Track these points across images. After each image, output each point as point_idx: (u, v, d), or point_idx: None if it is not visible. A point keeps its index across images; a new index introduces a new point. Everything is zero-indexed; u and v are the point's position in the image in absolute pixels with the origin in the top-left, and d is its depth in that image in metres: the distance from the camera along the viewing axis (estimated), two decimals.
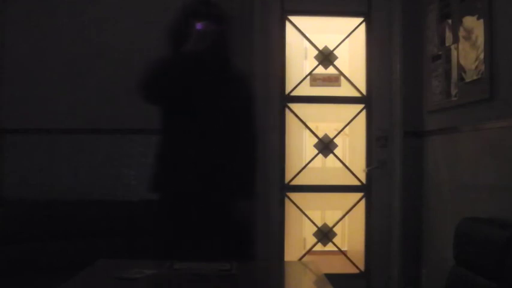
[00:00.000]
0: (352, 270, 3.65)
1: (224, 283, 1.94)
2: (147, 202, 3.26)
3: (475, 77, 2.73)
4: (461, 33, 2.89)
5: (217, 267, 2.05)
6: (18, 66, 3.45)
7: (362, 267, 3.64)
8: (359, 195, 3.65)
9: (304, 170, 3.63)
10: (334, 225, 3.66)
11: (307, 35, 3.64)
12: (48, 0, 3.48)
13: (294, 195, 3.63)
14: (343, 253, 3.70)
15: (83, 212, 3.22)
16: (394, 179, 3.55)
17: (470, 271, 2.30)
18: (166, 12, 3.49)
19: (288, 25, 3.64)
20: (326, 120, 3.76)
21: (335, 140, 3.65)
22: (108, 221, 3.20)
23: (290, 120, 3.63)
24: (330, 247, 3.68)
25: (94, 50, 3.45)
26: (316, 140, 3.65)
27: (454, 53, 2.99)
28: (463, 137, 2.92)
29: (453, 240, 2.47)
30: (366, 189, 3.64)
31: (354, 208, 3.66)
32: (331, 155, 3.66)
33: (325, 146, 3.64)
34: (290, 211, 3.63)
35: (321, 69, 3.65)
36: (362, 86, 3.64)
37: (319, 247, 3.68)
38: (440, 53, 3.18)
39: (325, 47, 3.64)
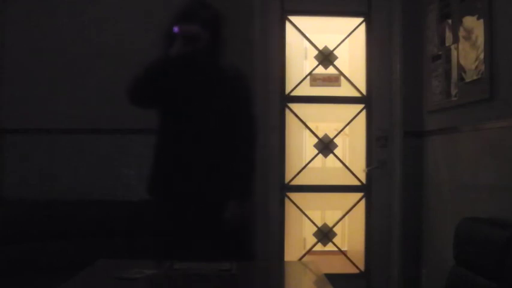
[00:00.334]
0: (352, 270, 3.65)
1: (224, 283, 1.94)
2: (147, 202, 3.28)
3: (475, 77, 2.73)
4: (461, 33, 2.89)
5: (217, 267, 2.05)
6: (18, 66, 3.45)
7: (362, 267, 3.64)
8: (359, 195, 3.65)
9: (304, 170, 3.63)
10: (334, 225, 3.66)
11: (307, 35, 3.64)
12: (48, 0, 3.48)
13: (294, 195, 3.63)
14: (343, 253, 3.70)
15: (83, 212, 3.22)
16: (394, 179, 3.55)
17: (470, 271, 2.30)
18: (166, 12, 3.51)
19: (288, 25, 3.64)
20: (326, 120, 3.76)
21: (335, 140, 3.66)
22: (108, 221, 3.19)
23: (290, 120, 3.63)
24: (330, 247, 3.68)
25: (94, 50, 3.45)
26: (316, 140, 3.65)
27: (454, 53, 2.99)
28: (463, 137, 2.92)
29: (453, 240, 2.47)
30: (366, 189, 3.64)
31: (354, 208, 3.66)
32: (331, 155, 3.66)
33: (325, 146, 3.64)
34: (290, 211, 3.63)
35: (321, 69, 3.65)
36: (362, 86, 3.64)
37: (319, 247, 3.68)
38: (440, 53, 3.18)
39: (325, 47, 3.64)
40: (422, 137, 3.48)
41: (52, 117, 3.44)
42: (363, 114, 3.65)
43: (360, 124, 3.65)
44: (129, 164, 3.45)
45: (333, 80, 3.67)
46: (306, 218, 3.65)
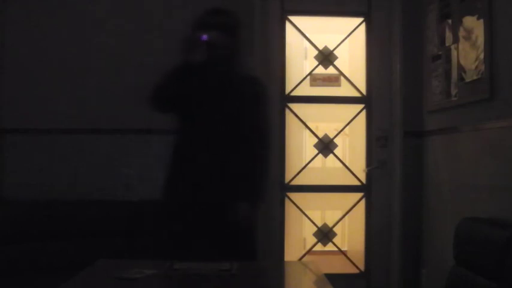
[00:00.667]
0: (352, 270, 3.65)
1: (224, 283, 1.94)
2: (147, 202, 3.29)
3: (475, 77, 2.73)
4: (461, 33, 2.89)
5: (217, 267, 2.05)
6: (18, 66, 3.45)
7: (362, 267, 3.64)
8: (359, 195, 3.65)
9: (304, 170, 3.63)
10: (334, 225, 3.66)
11: (307, 35, 3.64)
12: (48, 0, 3.48)
13: (294, 195, 3.63)
14: (343, 253, 3.70)
15: (83, 212, 3.22)
16: (394, 179, 3.55)
17: (470, 271, 2.30)
18: (166, 12, 3.52)
19: (288, 25, 3.64)
20: (326, 120, 3.76)
21: (335, 140, 3.66)
22: (108, 221, 3.19)
23: (290, 120, 3.63)
24: (330, 247, 3.68)
25: (94, 50, 3.45)
26: (316, 140, 3.65)
27: (454, 53, 2.99)
28: (463, 137, 2.92)
29: (453, 240, 2.47)
30: (366, 189, 3.64)
31: (354, 208, 3.66)
32: (331, 155, 3.66)
33: (325, 146, 3.64)
34: (290, 211, 3.63)
35: (321, 69, 3.65)
36: (362, 86, 3.64)
37: (319, 247, 3.68)
38: (440, 53, 3.18)
39: (325, 47, 3.64)
40: (422, 137, 3.48)
41: (52, 117, 3.44)
42: (363, 114, 3.65)
43: (360, 124, 3.65)
44: (129, 164, 3.45)
45: (333, 80, 3.67)
46: (306, 218, 3.65)
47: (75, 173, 3.43)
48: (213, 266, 2.06)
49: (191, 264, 2.10)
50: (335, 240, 3.67)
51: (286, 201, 3.61)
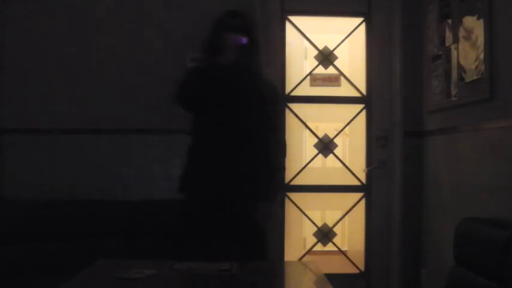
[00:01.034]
0: (352, 270, 3.65)
1: (224, 283, 1.94)
2: (147, 202, 3.29)
3: (475, 77, 2.73)
4: (461, 33, 2.89)
5: (217, 267, 2.05)
6: (18, 66, 3.45)
7: (362, 267, 3.64)
8: (359, 195, 3.65)
9: (304, 170, 3.63)
10: (334, 225, 3.66)
11: (307, 35, 3.64)
12: (48, 0, 3.48)
13: (294, 195, 3.63)
14: (343, 253, 3.70)
15: (83, 212, 3.22)
16: (394, 179, 3.55)
17: (470, 271, 2.30)
18: (166, 12, 3.52)
19: (288, 25, 3.64)
20: (326, 120, 3.76)
21: (335, 140, 3.66)
22: (108, 221, 3.19)
23: (290, 120, 3.62)
24: (330, 247, 3.68)
25: (94, 50, 3.45)
26: (316, 140, 3.65)
27: (454, 53, 2.99)
28: (463, 137, 2.92)
29: (453, 240, 2.47)
30: (366, 189, 3.64)
31: (354, 208, 3.66)
32: (331, 155, 3.66)
33: (325, 146, 3.64)
34: (290, 211, 3.63)
35: (321, 69, 3.65)
36: (362, 86, 3.65)
37: (319, 247, 3.68)
38: (440, 53, 3.18)
39: (325, 47, 3.64)
40: (422, 137, 3.48)
41: (52, 117, 3.44)
42: (363, 114, 3.65)
43: (360, 124, 3.65)
44: (129, 164, 3.45)
45: (333, 80, 3.67)
46: (306, 218, 3.65)
47: (75, 173, 3.43)
48: (213, 266, 2.06)
49: (191, 264, 2.10)
50: (335, 240, 3.67)
51: (286, 201, 3.61)
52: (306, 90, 3.65)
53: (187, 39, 3.42)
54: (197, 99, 2.48)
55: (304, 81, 3.64)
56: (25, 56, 3.45)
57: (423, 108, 3.47)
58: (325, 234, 3.64)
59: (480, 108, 2.71)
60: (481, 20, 2.66)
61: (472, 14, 2.76)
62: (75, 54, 3.45)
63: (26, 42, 3.45)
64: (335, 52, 3.64)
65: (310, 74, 3.66)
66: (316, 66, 3.64)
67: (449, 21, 3.05)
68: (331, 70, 3.65)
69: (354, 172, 3.64)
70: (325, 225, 3.67)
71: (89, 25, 3.47)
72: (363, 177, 3.64)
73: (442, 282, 2.51)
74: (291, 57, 3.63)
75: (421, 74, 3.47)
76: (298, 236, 3.68)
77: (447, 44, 3.08)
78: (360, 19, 3.65)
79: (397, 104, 3.54)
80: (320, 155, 3.66)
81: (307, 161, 3.65)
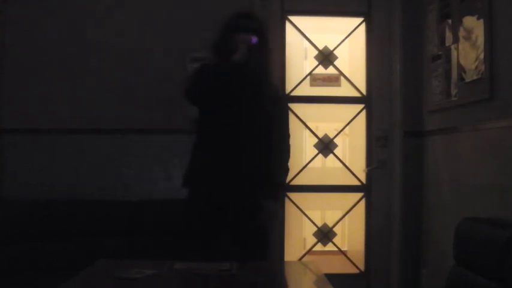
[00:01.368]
0: (352, 270, 3.65)
1: (224, 283, 1.94)
2: (147, 202, 3.29)
3: (475, 77, 2.73)
4: (461, 33, 2.89)
5: (217, 267, 2.05)
6: (18, 66, 3.45)
7: (362, 267, 3.64)
8: (359, 195, 3.65)
9: (304, 170, 3.63)
10: (334, 225, 3.66)
11: (307, 35, 3.64)
12: (48, 0, 3.48)
13: (294, 195, 3.63)
14: (343, 253, 3.70)
15: (83, 212, 3.22)
16: (394, 179, 3.55)
17: (470, 271, 2.30)
18: (166, 12, 3.52)
19: (288, 25, 3.64)
20: (326, 120, 3.75)
21: (335, 140, 3.66)
22: (108, 221, 3.19)
23: (290, 120, 3.60)
24: (330, 247, 3.68)
25: (94, 50, 3.45)
26: (316, 140, 3.65)
27: (454, 53, 2.99)
28: (463, 137, 2.92)
29: (453, 240, 2.47)
30: (366, 189, 3.64)
31: (354, 208, 3.66)
32: (331, 155, 3.66)
33: (325, 146, 3.64)
34: (290, 211, 3.62)
35: (321, 69, 3.65)
36: (362, 86, 3.64)
37: (319, 247, 3.68)
38: (440, 53, 3.18)
39: (325, 47, 3.64)
40: (422, 137, 3.48)
41: (52, 117, 3.44)
42: (363, 114, 3.65)
43: (360, 124, 3.65)
44: (129, 164, 3.45)
45: (333, 80, 3.67)
46: (306, 218, 3.65)
47: (75, 173, 3.43)
48: (213, 266, 2.06)
49: (191, 264, 2.10)
50: (335, 240, 3.67)
51: (286, 201, 3.61)
52: (306, 90, 3.65)
53: (187, 39, 3.42)
54: (205, 96, 2.48)
55: (304, 81, 3.64)
56: (25, 56, 3.44)
57: (423, 108, 3.47)
58: (325, 234, 3.64)
59: (480, 108, 2.71)
60: (481, 20, 2.66)
61: (472, 14, 2.76)
62: (75, 54, 3.45)
63: (26, 42, 3.45)
64: (335, 52, 3.64)
65: (310, 74, 3.66)
66: (316, 66, 3.64)
67: (449, 21, 3.05)
68: (331, 70, 3.65)
69: (354, 172, 3.64)
70: (325, 225, 3.67)
71: (89, 25, 3.47)
72: (363, 177, 3.64)
73: (442, 282, 2.51)
74: (291, 57, 3.63)
75: (421, 74, 3.47)
76: (298, 236, 3.68)
77: (447, 44, 3.08)
78: (360, 19, 3.65)
79: (397, 104, 3.54)
80: (320, 155, 3.66)
81: (307, 161, 3.65)
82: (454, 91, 2.98)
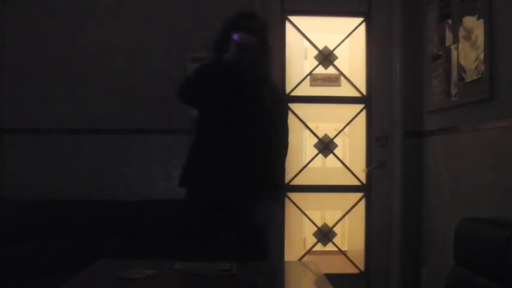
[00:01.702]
0: (352, 270, 3.65)
1: (224, 283, 1.94)
2: (147, 202, 3.29)
3: (475, 77, 2.73)
4: (461, 33, 2.89)
5: (217, 267, 2.05)
6: (18, 66, 3.45)
7: (362, 267, 3.64)
8: (359, 195, 3.65)
9: (304, 170, 3.63)
10: (334, 225, 3.66)
11: (307, 35, 3.64)
12: (48, 0, 3.48)
13: (294, 195, 3.63)
14: (343, 253, 3.70)
15: (83, 212, 3.22)
16: (394, 179, 3.55)
17: (470, 271, 2.30)
18: (166, 12, 3.52)
19: (288, 25, 3.64)
20: (326, 120, 3.75)
21: (335, 140, 3.66)
22: (108, 221, 3.19)
23: (290, 120, 3.60)
24: (330, 247, 3.68)
25: (94, 50, 3.45)
26: (316, 140, 3.65)
27: (454, 53, 2.99)
28: (463, 137, 2.92)
29: (453, 240, 2.47)
30: (366, 189, 3.64)
31: (354, 208, 3.66)
32: (331, 155, 3.66)
33: (325, 146, 3.64)
34: (290, 211, 3.62)
35: (321, 69, 3.65)
36: (362, 86, 3.65)
37: (319, 247, 3.68)
38: (440, 53, 3.18)
39: (325, 47, 3.64)
40: (422, 137, 3.48)
41: (52, 117, 3.44)
42: (363, 114, 3.65)
43: (360, 124, 3.65)
44: (129, 164, 3.45)
45: (333, 80, 3.67)
46: (306, 218, 3.65)
47: (75, 173, 3.43)
48: (213, 266, 2.07)
49: (191, 264, 2.10)
50: (335, 240, 3.67)
51: (286, 201, 3.61)
52: (306, 90, 3.65)
53: (187, 39, 3.42)
54: (203, 96, 2.48)
55: (304, 81, 3.64)
56: (25, 56, 3.45)
57: (423, 108, 3.47)
58: (325, 234, 3.64)
59: (480, 108, 2.71)
60: (481, 20, 2.66)
61: (472, 14, 2.76)
62: (75, 54, 3.45)
63: (26, 42, 3.45)
64: (335, 52, 3.64)
65: (310, 74, 3.66)
66: (316, 66, 3.64)
67: (449, 21, 3.05)
68: (331, 70, 3.65)
69: (354, 172, 3.64)
70: (325, 225, 3.67)
71: (89, 25, 3.47)
72: (363, 177, 3.64)
73: (442, 282, 2.51)
74: (291, 57, 3.63)
75: (421, 74, 3.47)
76: (298, 236, 3.68)
77: (447, 44, 3.08)
78: (360, 19, 3.65)
79: (397, 104, 3.54)
80: (320, 155, 3.66)
81: (307, 161, 3.65)
82: (454, 91, 2.98)
